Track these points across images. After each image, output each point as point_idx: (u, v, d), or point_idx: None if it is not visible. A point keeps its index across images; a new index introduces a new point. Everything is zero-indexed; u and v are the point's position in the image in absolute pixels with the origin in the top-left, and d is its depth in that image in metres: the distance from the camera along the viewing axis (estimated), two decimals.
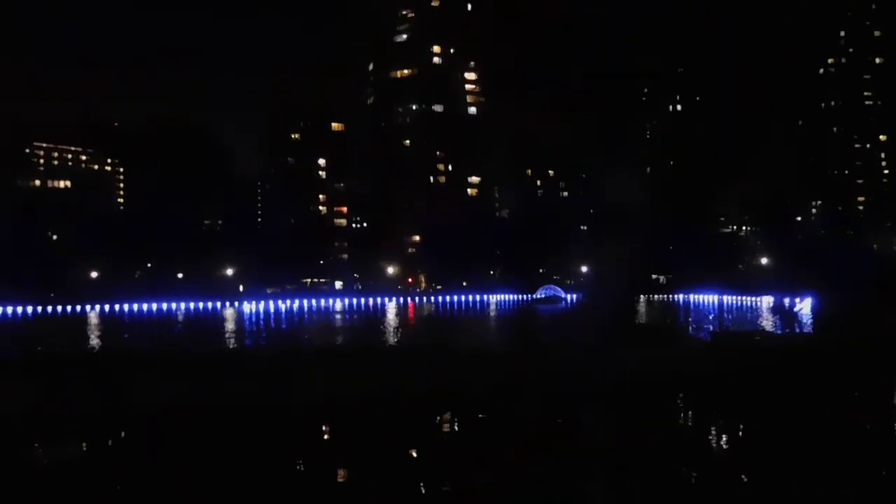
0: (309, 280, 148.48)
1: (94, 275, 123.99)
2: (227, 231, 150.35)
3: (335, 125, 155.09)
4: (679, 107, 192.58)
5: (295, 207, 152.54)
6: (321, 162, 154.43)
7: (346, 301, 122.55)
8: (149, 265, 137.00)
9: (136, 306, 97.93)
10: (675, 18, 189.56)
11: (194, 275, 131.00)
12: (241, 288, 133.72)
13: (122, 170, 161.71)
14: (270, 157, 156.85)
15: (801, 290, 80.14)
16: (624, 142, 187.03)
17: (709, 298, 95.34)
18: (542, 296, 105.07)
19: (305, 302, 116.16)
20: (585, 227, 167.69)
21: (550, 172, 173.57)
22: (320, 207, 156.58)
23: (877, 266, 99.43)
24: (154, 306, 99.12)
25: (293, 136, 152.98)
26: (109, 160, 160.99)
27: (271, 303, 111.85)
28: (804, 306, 60.05)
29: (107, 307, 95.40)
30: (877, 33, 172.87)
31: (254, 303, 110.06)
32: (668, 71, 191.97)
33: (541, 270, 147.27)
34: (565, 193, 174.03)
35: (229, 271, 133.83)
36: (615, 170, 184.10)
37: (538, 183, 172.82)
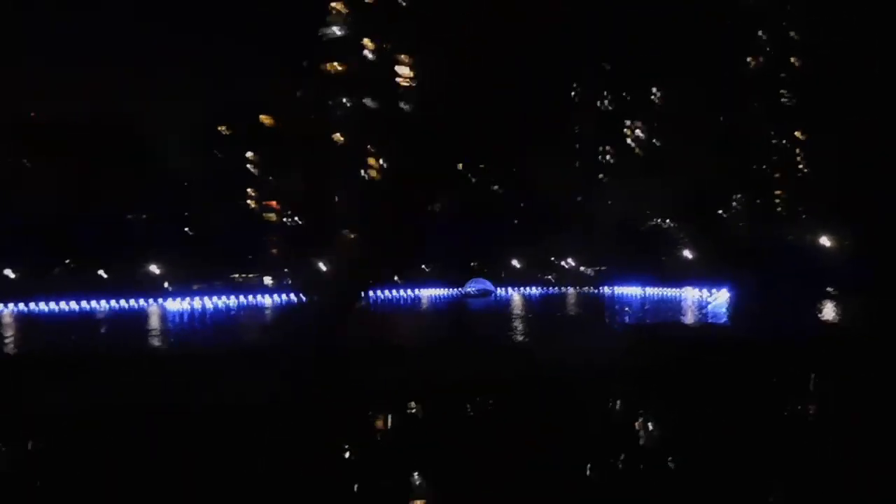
0: (238, 276, 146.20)
1: (10, 273, 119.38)
2: (154, 227, 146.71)
3: (265, 119, 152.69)
4: (607, 103, 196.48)
5: (224, 202, 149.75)
6: (251, 156, 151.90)
7: (276, 297, 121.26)
8: (68, 262, 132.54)
9: (53, 305, 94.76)
10: (599, 14, 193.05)
11: (118, 272, 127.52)
12: (166, 285, 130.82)
13: (39, 165, 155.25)
14: (199, 151, 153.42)
15: (718, 282, 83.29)
16: (557, 137, 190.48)
17: (632, 291, 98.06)
18: (472, 289, 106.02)
19: (233, 299, 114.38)
20: (517, 221, 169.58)
21: (482, 166, 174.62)
22: (250, 202, 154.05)
23: (791, 256, 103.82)
24: (73, 304, 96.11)
25: (221, 129, 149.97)
26: (27, 155, 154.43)
27: (196, 300, 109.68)
28: (718, 298, 62.40)
29: (21, 306, 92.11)
30: (793, 34, 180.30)
31: (178, 300, 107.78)
32: (595, 69, 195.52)
33: (473, 264, 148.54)
34: (497, 187, 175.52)
35: (154, 268, 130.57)
36: (548, 165, 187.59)
37: (470, 177, 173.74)
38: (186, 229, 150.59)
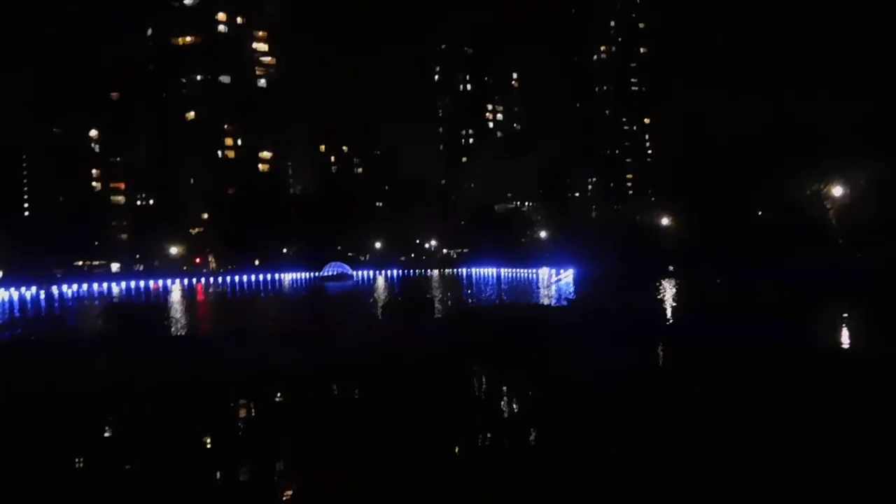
0: (83, 263, 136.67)
1: None
2: None
3: (110, 93, 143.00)
4: (469, 86, 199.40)
5: (65, 183, 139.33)
6: (93, 133, 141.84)
7: (125, 284, 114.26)
8: None
9: None
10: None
11: None
12: None
13: None
14: (34, 127, 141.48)
15: (568, 263, 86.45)
16: (418, 119, 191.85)
17: (489, 271, 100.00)
18: (330, 273, 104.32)
19: (75, 287, 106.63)
20: (381, 204, 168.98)
21: (345, 148, 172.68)
22: (94, 183, 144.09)
23: (636, 236, 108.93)
24: None
25: (60, 103, 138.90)
26: None
27: (33, 289, 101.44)
28: (564, 277, 64.74)
29: None
30: (641, 25, 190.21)
31: (12, 290, 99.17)
32: (457, 50, 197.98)
33: (338, 247, 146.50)
34: (360, 170, 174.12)
35: None
36: (410, 147, 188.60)
37: (332, 159, 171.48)
38: (22, 213, 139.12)
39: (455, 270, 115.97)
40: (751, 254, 66.45)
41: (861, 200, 62.70)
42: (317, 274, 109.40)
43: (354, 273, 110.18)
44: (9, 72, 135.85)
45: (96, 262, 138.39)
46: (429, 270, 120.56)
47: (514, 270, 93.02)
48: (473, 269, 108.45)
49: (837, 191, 67.87)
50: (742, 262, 65.07)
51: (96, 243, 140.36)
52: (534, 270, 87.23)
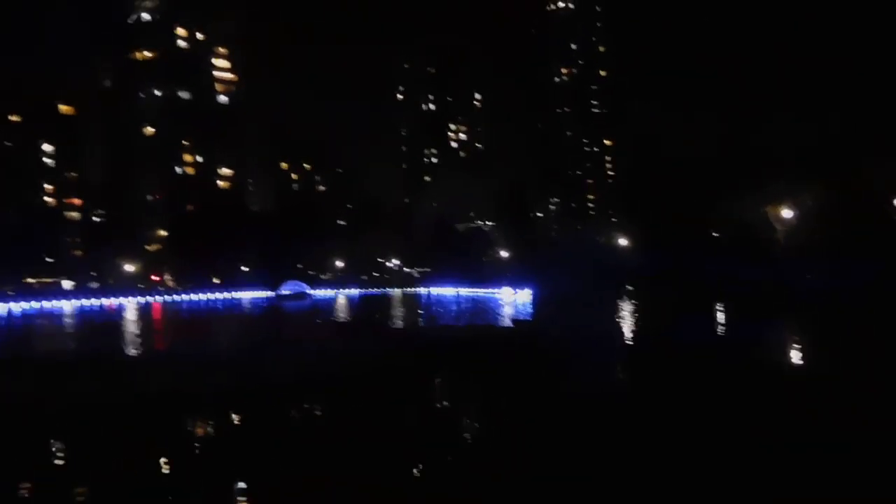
0: (34, 280, 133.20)
1: None
2: None
3: (64, 108, 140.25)
4: (433, 106, 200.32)
5: (16, 198, 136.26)
6: (47, 148, 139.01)
7: (77, 303, 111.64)
8: None
9: None
10: (426, 19, 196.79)
11: None
12: None
13: None
14: None
15: (526, 282, 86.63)
16: (381, 138, 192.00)
17: (447, 291, 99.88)
18: (287, 292, 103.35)
19: (22, 305, 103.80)
20: (344, 222, 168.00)
21: (307, 166, 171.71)
22: (48, 199, 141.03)
23: (595, 255, 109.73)
24: None
25: (12, 118, 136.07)
26: None
27: None
28: (516, 297, 64.91)
29: None
30: (601, 49, 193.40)
31: None
32: (420, 70, 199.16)
33: (299, 265, 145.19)
34: (322, 188, 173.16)
35: None
36: (374, 166, 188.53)
37: (294, 176, 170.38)
38: None
39: (414, 290, 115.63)
40: (706, 272, 67.53)
41: (806, 222, 64.37)
42: (274, 292, 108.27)
43: (312, 292, 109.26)
44: None
45: (48, 279, 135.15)
46: (387, 289, 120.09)
47: (471, 290, 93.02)
48: (432, 289, 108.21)
49: (786, 212, 69.53)
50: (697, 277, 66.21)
51: (49, 259, 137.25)
52: (492, 290, 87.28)
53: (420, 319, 50.53)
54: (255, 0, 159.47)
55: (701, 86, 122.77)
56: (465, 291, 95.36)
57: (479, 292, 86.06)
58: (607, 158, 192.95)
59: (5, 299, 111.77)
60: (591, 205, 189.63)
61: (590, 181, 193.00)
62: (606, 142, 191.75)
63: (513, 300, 65.55)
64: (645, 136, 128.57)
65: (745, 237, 72.35)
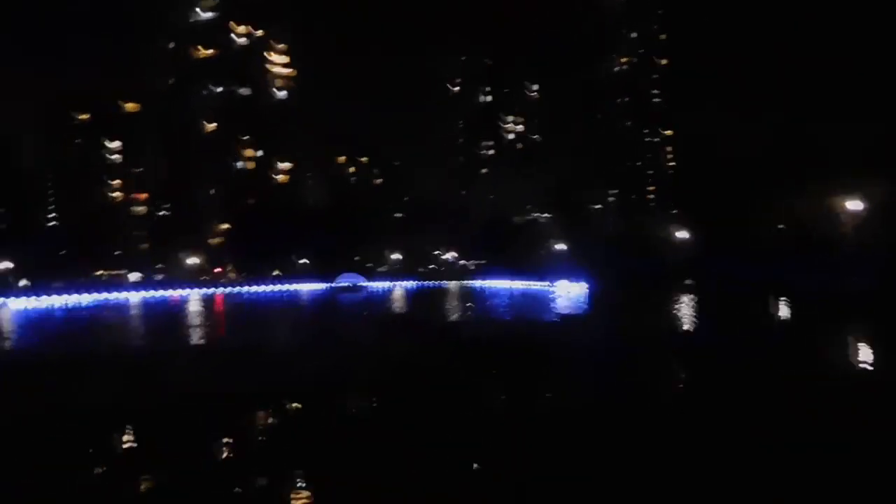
0: (103, 273, 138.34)
1: None
2: (12, 224, 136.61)
3: (129, 106, 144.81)
4: (489, 98, 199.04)
5: (86, 195, 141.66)
6: (114, 145, 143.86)
7: (142, 294, 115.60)
8: None
9: None
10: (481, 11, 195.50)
11: None
12: (23, 283, 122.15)
13: None
14: (57, 143, 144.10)
15: (581, 276, 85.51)
16: (437, 130, 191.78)
17: (500, 284, 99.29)
18: (343, 284, 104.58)
19: (93, 296, 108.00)
20: (400, 215, 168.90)
21: (363, 159, 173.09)
22: (115, 194, 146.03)
23: (652, 249, 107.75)
24: None
25: (80, 117, 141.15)
26: None
27: (51, 298, 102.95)
28: (571, 291, 63.96)
29: None
30: (662, 37, 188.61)
31: (33, 299, 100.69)
32: (476, 62, 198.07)
33: (356, 258, 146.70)
34: (378, 181, 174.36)
35: (6, 265, 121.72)
36: (429, 158, 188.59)
37: (351, 170, 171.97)
38: (46, 224, 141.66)
39: (467, 283, 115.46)
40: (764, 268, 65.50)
41: (871, 216, 61.66)
42: (331, 285, 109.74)
43: (368, 284, 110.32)
44: (31, 82, 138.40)
45: (118, 272, 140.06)
46: (442, 283, 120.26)
47: (525, 283, 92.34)
48: (485, 282, 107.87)
49: (853, 205, 66.69)
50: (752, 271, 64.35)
51: (117, 253, 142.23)
52: (547, 283, 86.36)
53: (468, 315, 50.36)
54: None
55: (765, 75, 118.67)
56: (518, 285, 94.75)
57: (533, 286, 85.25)
58: (668, 149, 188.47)
59: (76, 291, 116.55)
60: (650, 197, 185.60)
61: (650, 172, 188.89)
62: (667, 132, 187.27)
63: (567, 294, 64.63)
64: (706, 125, 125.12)
65: (806, 237, 69.89)
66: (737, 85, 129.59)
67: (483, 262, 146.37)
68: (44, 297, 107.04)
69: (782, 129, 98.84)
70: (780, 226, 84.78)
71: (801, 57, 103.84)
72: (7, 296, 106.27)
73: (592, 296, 66.30)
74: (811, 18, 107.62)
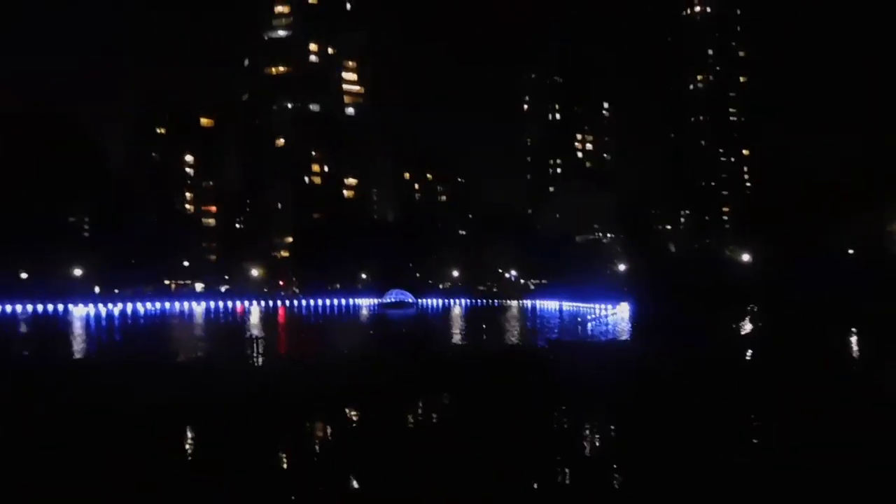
0: (171, 282, 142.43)
1: None
2: (91, 229, 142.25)
3: (204, 120, 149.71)
4: (559, 116, 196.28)
5: (160, 205, 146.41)
6: (188, 158, 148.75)
7: (206, 304, 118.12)
8: None
9: None
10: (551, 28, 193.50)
11: (40, 275, 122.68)
12: (96, 289, 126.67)
13: None
14: (135, 152, 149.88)
15: (641, 298, 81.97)
16: (506, 148, 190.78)
17: (550, 305, 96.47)
18: (391, 300, 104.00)
19: (158, 305, 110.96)
20: (464, 232, 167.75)
21: (429, 175, 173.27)
22: (187, 206, 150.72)
23: (718, 272, 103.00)
24: None
25: (159, 129, 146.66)
26: None
27: (119, 305, 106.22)
28: (616, 312, 61.11)
29: None
30: (741, 54, 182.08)
31: (93, 306, 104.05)
32: (547, 79, 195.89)
33: (417, 274, 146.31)
34: (443, 198, 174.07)
35: (77, 271, 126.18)
36: (496, 175, 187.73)
37: (416, 186, 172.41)
38: (120, 231, 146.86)
39: (521, 302, 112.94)
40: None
41: None
42: (379, 300, 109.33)
43: (419, 301, 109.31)
44: (113, 98, 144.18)
45: (185, 282, 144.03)
46: (496, 301, 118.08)
47: (576, 304, 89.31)
48: (538, 301, 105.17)
49: None
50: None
51: (186, 263, 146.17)
52: (603, 304, 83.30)
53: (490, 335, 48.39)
54: (383, 14, 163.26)
55: (840, 96, 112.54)
56: (567, 305, 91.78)
57: (583, 307, 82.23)
58: (745, 169, 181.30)
59: (141, 299, 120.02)
60: (725, 217, 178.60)
61: (724, 193, 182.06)
62: (744, 151, 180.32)
63: (621, 316, 61.87)
64: (782, 146, 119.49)
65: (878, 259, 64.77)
66: (816, 104, 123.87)
67: (544, 281, 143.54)
68: (109, 304, 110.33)
69: (862, 150, 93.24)
70: (850, 251, 79.22)
71: (882, 77, 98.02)
72: (75, 303, 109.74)
73: (638, 318, 63.17)
74: (892, 38, 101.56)
